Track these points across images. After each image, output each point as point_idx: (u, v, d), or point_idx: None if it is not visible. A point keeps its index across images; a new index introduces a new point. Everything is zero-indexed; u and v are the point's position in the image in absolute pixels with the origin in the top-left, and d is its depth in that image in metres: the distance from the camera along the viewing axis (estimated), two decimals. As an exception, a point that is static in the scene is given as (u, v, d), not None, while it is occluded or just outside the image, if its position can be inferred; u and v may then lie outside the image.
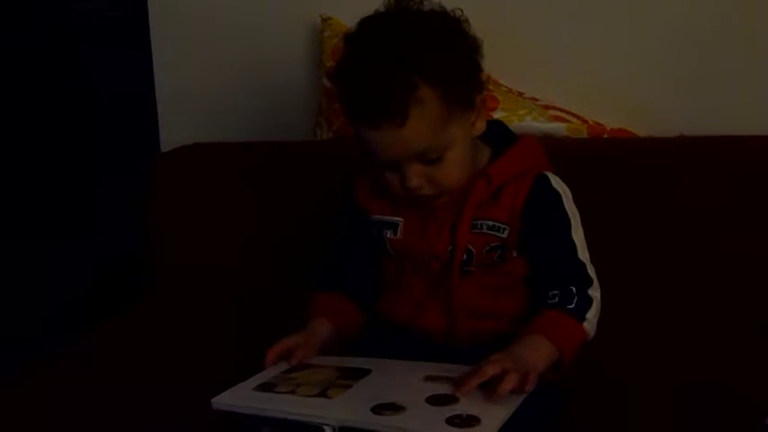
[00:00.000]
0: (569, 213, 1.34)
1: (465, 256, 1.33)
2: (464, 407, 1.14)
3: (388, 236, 1.39)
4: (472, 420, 1.11)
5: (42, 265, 2.04)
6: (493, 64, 1.80)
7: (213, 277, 1.87)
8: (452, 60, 1.27)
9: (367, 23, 1.30)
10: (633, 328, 1.57)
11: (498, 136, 1.39)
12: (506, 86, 1.90)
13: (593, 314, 1.28)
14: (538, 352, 1.22)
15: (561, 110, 1.89)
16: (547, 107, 1.89)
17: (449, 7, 1.31)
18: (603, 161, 1.74)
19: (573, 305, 1.27)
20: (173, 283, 1.88)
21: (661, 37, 1.91)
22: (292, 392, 1.22)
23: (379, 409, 1.14)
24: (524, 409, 1.16)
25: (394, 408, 1.14)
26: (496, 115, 1.79)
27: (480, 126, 1.34)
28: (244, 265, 1.86)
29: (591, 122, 1.88)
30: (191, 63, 2.10)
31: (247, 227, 1.88)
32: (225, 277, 1.86)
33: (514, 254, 1.35)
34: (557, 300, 1.28)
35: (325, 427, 1.14)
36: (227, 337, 1.61)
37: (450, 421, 1.11)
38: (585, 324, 1.27)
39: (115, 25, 2.12)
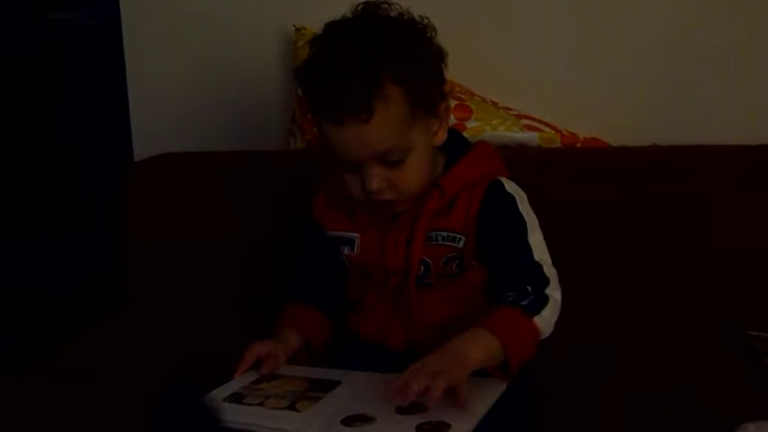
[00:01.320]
0: (525, 216, 1.34)
1: (422, 269, 1.33)
2: (434, 414, 1.14)
3: (346, 252, 1.40)
4: (442, 426, 1.11)
5: (16, 274, 2.02)
6: (466, 73, 1.83)
7: (187, 286, 1.86)
8: (418, 64, 1.27)
9: (333, 26, 1.31)
10: (607, 331, 1.58)
11: (452, 144, 1.38)
12: (480, 96, 1.90)
13: (549, 313, 1.27)
14: (476, 346, 1.19)
15: (534, 119, 1.90)
16: (520, 116, 1.89)
17: (420, 15, 1.32)
18: (576, 170, 1.75)
19: (525, 302, 1.25)
20: (146, 292, 1.87)
21: (634, 48, 1.92)
22: (261, 404, 1.22)
23: (349, 421, 1.14)
24: (497, 411, 1.17)
25: (364, 419, 1.14)
26: (469, 125, 1.80)
27: (442, 136, 1.35)
28: (217, 274, 1.85)
29: (564, 132, 1.88)
30: (163, 72, 2.09)
31: (221, 236, 1.87)
32: (198, 286, 1.86)
33: (474, 263, 1.35)
34: (510, 299, 1.26)
35: None
36: (198, 347, 1.60)
37: (421, 428, 1.11)
38: (537, 320, 1.25)
39: (88, 34, 2.11)
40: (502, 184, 1.36)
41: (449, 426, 1.11)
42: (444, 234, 1.33)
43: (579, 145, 1.88)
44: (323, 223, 1.43)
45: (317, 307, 1.42)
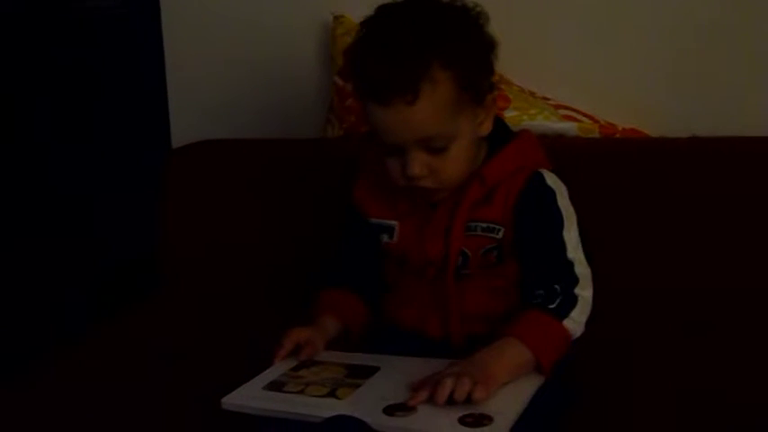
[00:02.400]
0: (563, 211, 1.33)
1: (461, 260, 1.33)
2: (476, 405, 1.14)
3: (385, 240, 1.40)
4: (484, 419, 1.11)
5: (53, 263, 2.04)
6: (504, 64, 1.80)
7: (223, 273, 1.87)
8: (468, 51, 1.27)
9: (386, 8, 1.30)
10: (643, 327, 1.57)
11: (496, 134, 1.37)
12: (518, 86, 1.89)
13: (578, 313, 1.26)
14: (504, 357, 1.19)
15: (573, 109, 1.88)
16: (558, 107, 1.88)
17: (470, 3, 1.32)
18: (616, 160, 1.73)
19: (555, 304, 1.25)
20: (183, 280, 1.89)
21: (674, 37, 1.90)
22: (301, 392, 1.22)
23: (390, 410, 1.14)
24: (536, 406, 1.17)
25: (405, 408, 1.14)
26: (508, 114, 1.79)
27: (487, 127, 1.34)
28: (254, 261, 1.86)
29: (602, 122, 1.87)
30: (202, 59, 2.10)
31: (257, 223, 1.87)
32: (235, 273, 1.86)
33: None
34: (540, 300, 1.26)
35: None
36: (238, 334, 1.62)
37: (463, 420, 1.11)
38: (567, 322, 1.25)
39: (127, 22, 2.12)
40: (542, 177, 1.35)
41: (491, 419, 1.11)
42: (484, 225, 1.33)
43: (618, 135, 1.86)
44: (363, 210, 1.42)
45: (354, 292, 1.42)
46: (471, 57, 1.27)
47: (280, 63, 2.05)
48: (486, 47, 1.31)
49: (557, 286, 1.26)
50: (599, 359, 1.40)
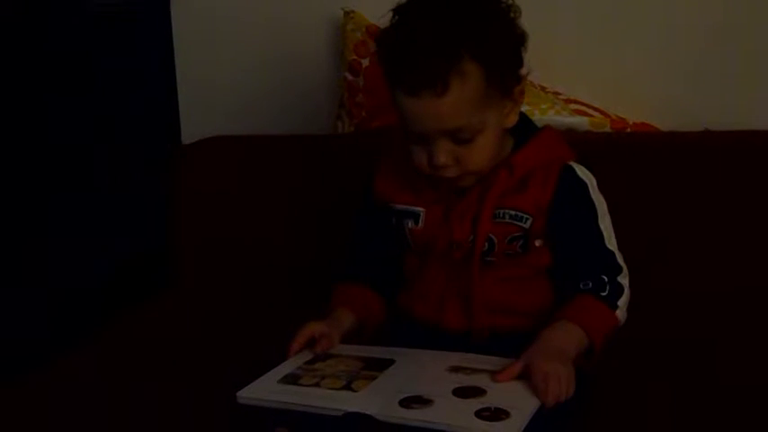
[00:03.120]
0: (596, 202, 1.35)
1: (486, 246, 1.33)
2: (492, 399, 1.14)
3: (410, 226, 1.39)
4: (501, 413, 1.10)
5: (62, 258, 2.04)
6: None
7: (233, 269, 1.87)
8: (499, 44, 1.27)
9: None
10: (651, 324, 1.56)
11: (520, 127, 1.38)
12: (529, 80, 1.88)
13: (623, 302, 1.30)
14: (569, 338, 1.23)
15: (583, 104, 1.88)
16: (569, 101, 1.88)
17: None
18: (628, 155, 1.72)
19: (606, 293, 1.28)
20: (193, 276, 1.88)
21: (685, 31, 1.89)
22: (317, 385, 1.22)
23: (406, 403, 1.14)
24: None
25: (421, 401, 1.14)
26: (519, 109, 1.79)
27: (513, 119, 1.34)
28: (264, 257, 1.85)
29: (613, 117, 1.87)
30: (212, 55, 2.10)
31: (267, 219, 1.87)
32: (246, 269, 1.86)
33: (537, 244, 1.35)
34: (589, 288, 1.29)
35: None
36: (249, 331, 1.61)
37: (479, 414, 1.10)
38: (618, 312, 1.29)
39: (137, 18, 2.12)
40: (574, 169, 1.36)
41: (508, 413, 1.11)
42: (512, 212, 1.33)
43: (629, 130, 1.86)
44: (387, 197, 1.42)
45: (371, 287, 1.43)
46: (502, 50, 1.28)
47: (290, 59, 2.05)
48: (516, 40, 1.31)
49: (604, 276, 1.30)
50: (615, 357, 1.40)
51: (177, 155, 1.97)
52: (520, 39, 1.32)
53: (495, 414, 1.11)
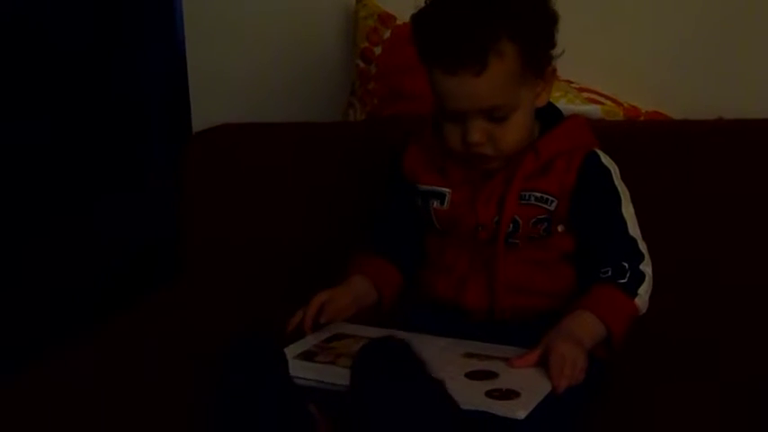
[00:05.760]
0: (619, 189, 1.37)
1: (511, 227, 1.34)
2: (503, 382, 1.14)
3: (435, 206, 1.39)
4: (511, 394, 1.11)
5: (73, 244, 2.04)
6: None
7: (244, 256, 1.87)
8: (535, 24, 1.29)
9: None
10: (662, 313, 1.55)
11: (548, 113, 1.40)
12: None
13: (644, 290, 1.30)
14: (585, 328, 1.23)
15: (595, 92, 1.88)
16: (581, 89, 1.88)
17: None
18: (641, 143, 1.71)
19: (625, 280, 1.29)
20: (204, 264, 1.88)
21: (698, 19, 1.89)
22: (332, 363, 1.23)
23: None
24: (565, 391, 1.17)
25: None
26: (531, 97, 1.78)
27: (545, 98, 1.36)
28: (275, 245, 1.85)
29: (626, 105, 1.86)
30: (223, 42, 2.10)
31: (278, 207, 1.87)
32: (256, 256, 1.86)
33: (560, 228, 1.36)
34: (609, 275, 1.29)
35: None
36: (260, 315, 1.60)
37: (490, 394, 1.11)
38: (637, 300, 1.29)
39: (148, 4, 2.12)
40: (598, 156, 1.38)
41: (518, 394, 1.11)
42: (537, 194, 1.34)
43: (642, 118, 1.85)
44: (414, 177, 1.43)
45: (391, 261, 1.43)
46: (538, 30, 1.29)
47: (301, 46, 2.05)
48: (550, 20, 1.32)
49: (624, 263, 1.31)
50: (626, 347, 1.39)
51: (188, 142, 1.96)
52: (553, 19, 1.33)
53: (506, 394, 1.11)
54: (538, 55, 1.30)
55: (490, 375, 1.16)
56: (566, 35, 1.87)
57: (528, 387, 1.14)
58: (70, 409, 1.33)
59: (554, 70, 1.35)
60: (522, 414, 1.08)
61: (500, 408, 1.09)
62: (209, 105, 2.10)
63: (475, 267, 1.37)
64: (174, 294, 1.80)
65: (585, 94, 1.86)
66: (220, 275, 1.85)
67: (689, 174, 1.69)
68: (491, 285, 1.35)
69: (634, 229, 1.35)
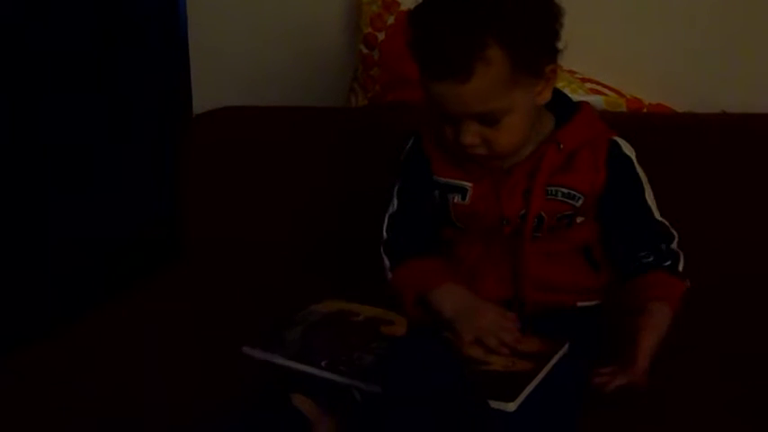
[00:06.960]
0: (641, 175, 1.37)
1: (535, 222, 1.33)
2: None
3: (455, 201, 1.37)
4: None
5: (72, 226, 2.03)
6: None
7: (244, 241, 1.86)
8: (529, 24, 1.24)
9: None
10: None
11: (559, 102, 1.38)
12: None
13: (682, 266, 1.33)
14: (666, 321, 1.27)
15: (598, 83, 1.87)
16: (584, 80, 1.87)
17: None
18: (644, 135, 1.68)
19: (669, 263, 1.32)
20: (204, 246, 1.87)
21: (702, 12, 1.88)
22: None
23: None
24: (564, 375, 1.21)
25: None
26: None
27: (546, 96, 1.32)
28: (274, 229, 1.85)
29: (629, 97, 1.86)
30: (225, 25, 2.08)
31: (278, 190, 1.87)
32: (255, 241, 1.85)
33: (578, 220, 1.35)
34: (652, 259, 1.32)
35: (354, 392, 1.20)
36: (256, 305, 1.60)
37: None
38: (686, 280, 1.32)
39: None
40: (620, 146, 1.37)
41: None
42: (564, 191, 1.33)
43: (645, 110, 1.85)
44: (433, 167, 1.40)
45: (432, 255, 1.39)
46: (531, 32, 1.25)
47: (304, 30, 2.04)
48: (550, 18, 1.28)
49: (662, 245, 1.33)
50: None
51: (189, 125, 1.96)
52: (554, 16, 1.29)
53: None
54: (532, 57, 1.25)
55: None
56: (569, 26, 1.88)
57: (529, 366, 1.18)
58: (69, 392, 1.33)
59: (555, 69, 1.31)
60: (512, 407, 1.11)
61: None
62: (211, 88, 2.09)
63: (493, 260, 1.36)
64: (175, 277, 1.80)
65: (588, 85, 1.86)
66: (221, 259, 1.84)
67: (691, 167, 1.69)
68: (515, 279, 1.34)
69: (657, 213, 1.36)
